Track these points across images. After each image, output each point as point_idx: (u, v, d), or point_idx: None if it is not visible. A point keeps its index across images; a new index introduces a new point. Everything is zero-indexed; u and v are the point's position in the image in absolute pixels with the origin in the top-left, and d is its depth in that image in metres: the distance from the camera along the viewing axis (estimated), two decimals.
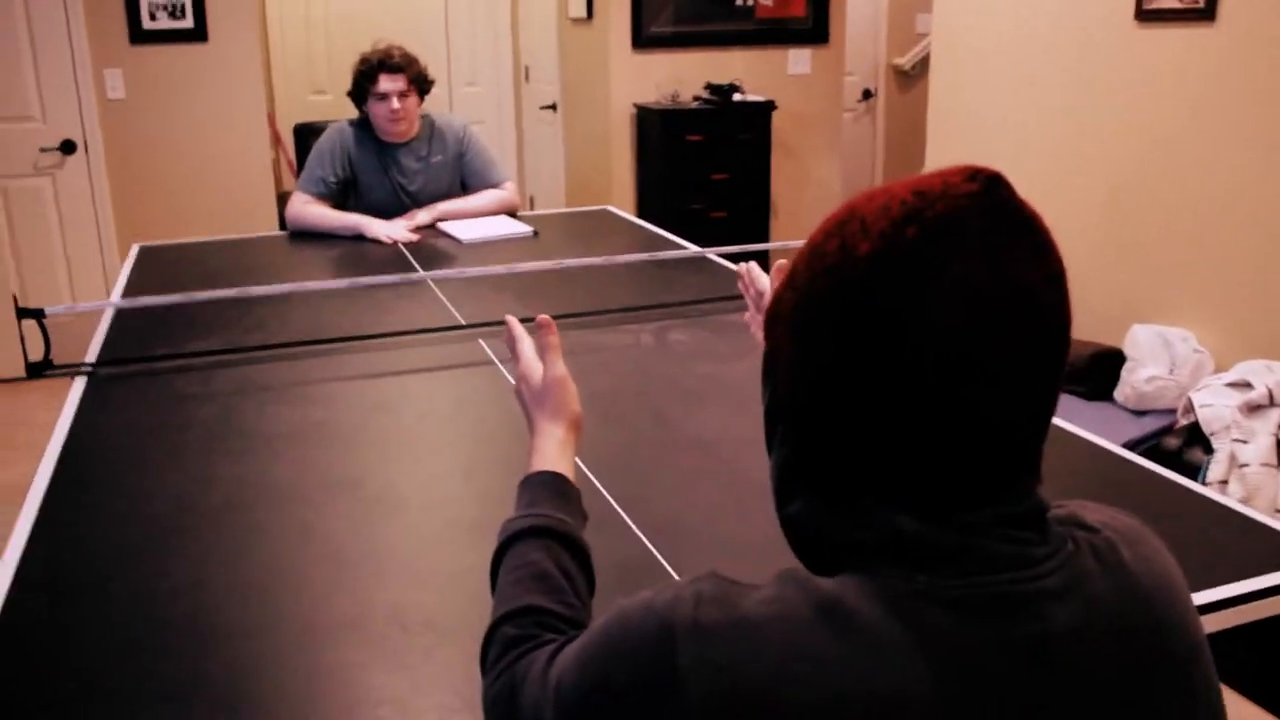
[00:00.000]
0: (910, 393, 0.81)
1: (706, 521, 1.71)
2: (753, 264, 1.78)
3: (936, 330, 0.79)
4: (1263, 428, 2.81)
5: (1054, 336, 0.83)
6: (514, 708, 0.99)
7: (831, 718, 0.77)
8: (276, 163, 6.36)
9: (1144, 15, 3.72)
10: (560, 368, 1.32)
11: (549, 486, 1.19)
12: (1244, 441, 2.82)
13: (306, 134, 5.55)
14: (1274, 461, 2.75)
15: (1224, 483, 2.80)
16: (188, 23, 5.21)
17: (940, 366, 0.80)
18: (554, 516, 1.15)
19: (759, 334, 1.29)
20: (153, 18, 5.16)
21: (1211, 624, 1.48)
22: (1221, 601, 1.49)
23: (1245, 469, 2.77)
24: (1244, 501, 2.05)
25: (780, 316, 0.89)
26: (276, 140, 6.55)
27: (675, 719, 0.80)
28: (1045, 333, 0.82)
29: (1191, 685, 0.89)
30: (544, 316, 1.31)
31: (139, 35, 5.15)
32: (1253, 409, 2.86)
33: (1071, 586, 0.85)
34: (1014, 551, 0.84)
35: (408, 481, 1.88)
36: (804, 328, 0.86)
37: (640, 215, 5.65)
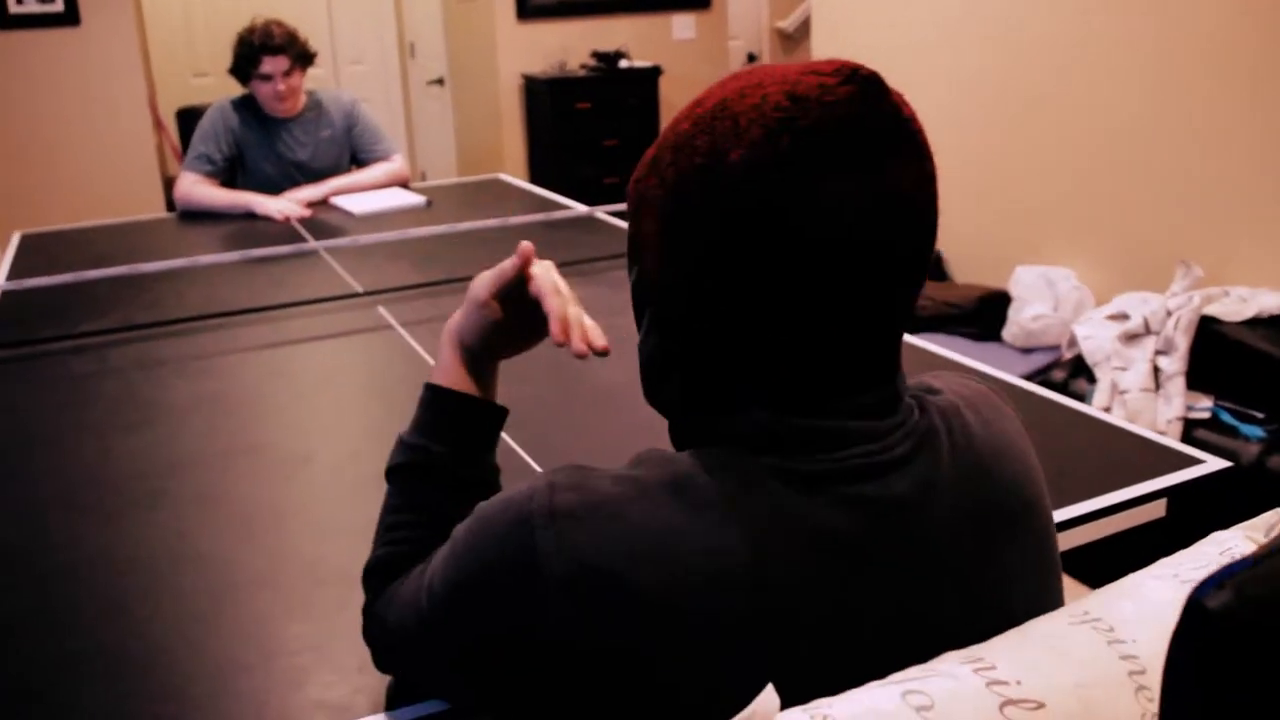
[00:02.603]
0: (778, 287, 0.82)
1: (607, 461, 1.74)
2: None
3: (808, 237, 0.80)
4: (1140, 355, 2.92)
5: (924, 236, 0.85)
6: (384, 629, 1.04)
7: (679, 587, 0.81)
8: (160, 148, 6.24)
9: None
10: (490, 292, 1.14)
11: (425, 404, 1.14)
12: (1123, 369, 2.94)
13: (190, 117, 5.41)
14: (1151, 386, 2.87)
15: (1107, 409, 2.91)
16: (57, 7, 5.08)
17: (810, 269, 0.81)
18: (414, 446, 1.12)
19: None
20: (19, 1, 5.01)
21: (1098, 531, 1.55)
22: (1108, 508, 1.56)
23: (1126, 395, 2.88)
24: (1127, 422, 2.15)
25: (646, 204, 0.90)
26: (159, 125, 6.41)
27: (537, 601, 0.84)
28: (916, 233, 0.84)
29: (1028, 536, 0.95)
30: (525, 244, 1.12)
31: (5, 20, 5.00)
32: (1130, 338, 2.97)
33: (917, 451, 0.89)
34: (862, 427, 0.87)
35: (312, 442, 1.88)
36: (674, 220, 0.86)
37: (533, 184, 5.66)
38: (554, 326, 1.07)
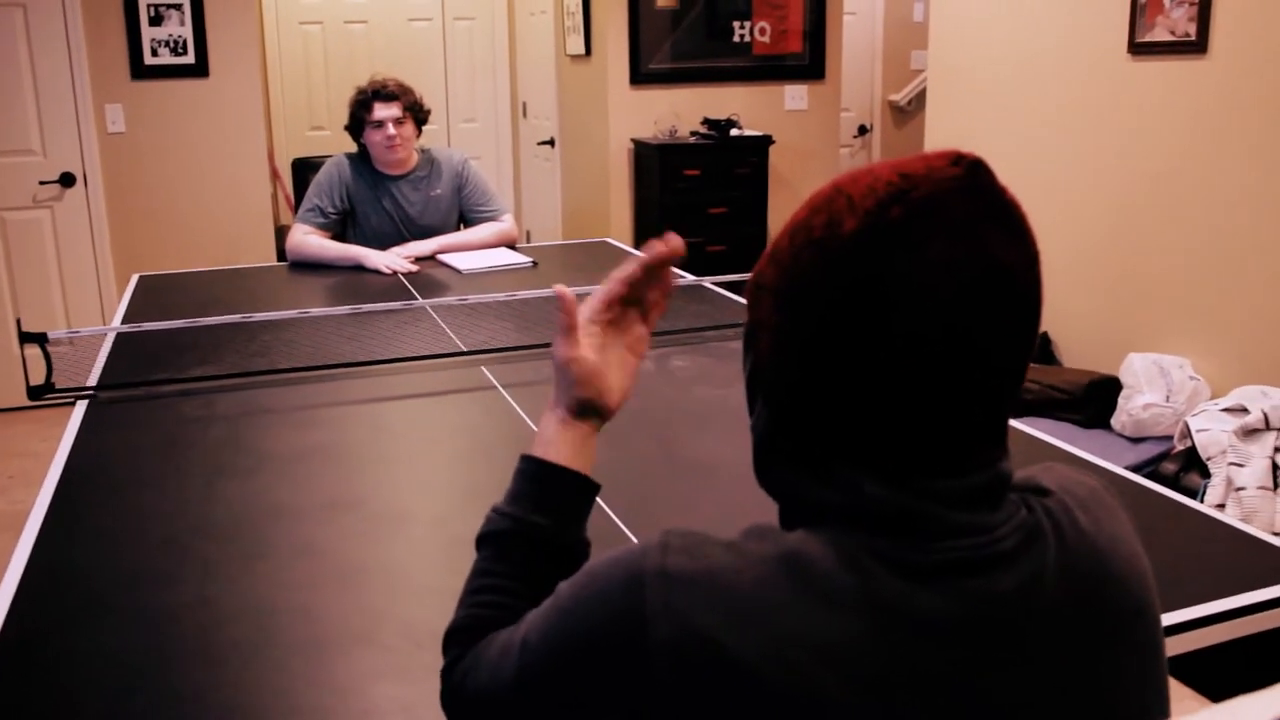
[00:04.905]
0: (888, 362, 0.84)
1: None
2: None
3: (917, 304, 0.83)
4: (1259, 451, 2.82)
5: (1027, 315, 0.87)
6: (464, 693, 1.01)
7: (779, 662, 0.81)
8: (274, 197, 6.39)
9: (1137, 48, 3.76)
10: (569, 350, 1.16)
11: (524, 476, 1.15)
12: (1240, 465, 2.84)
13: (304, 169, 5.58)
14: (1270, 484, 2.77)
15: (1221, 506, 2.81)
16: (189, 59, 5.25)
17: (919, 339, 0.83)
18: (510, 515, 1.12)
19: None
20: (154, 54, 5.20)
21: (1210, 637, 1.49)
22: (1221, 614, 1.49)
23: (1242, 492, 2.78)
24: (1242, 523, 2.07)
25: (764, 289, 0.92)
26: (275, 175, 6.58)
27: (640, 662, 0.84)
28: (1020, 310, 0.86)
29: (1136, 641, 0.93)
30: (559, 288, 1.17)
31: (140, 71, 5.20)
32: (1248, 433, 2.88)
33: (1022, 549, 0.89)
34: (968, 520, 0.87)
35: (412, 500, 1.89)
36: (789, 300, 0.89)
37: (638, 249, 5.67)
38: (612, 286, 1.17)
